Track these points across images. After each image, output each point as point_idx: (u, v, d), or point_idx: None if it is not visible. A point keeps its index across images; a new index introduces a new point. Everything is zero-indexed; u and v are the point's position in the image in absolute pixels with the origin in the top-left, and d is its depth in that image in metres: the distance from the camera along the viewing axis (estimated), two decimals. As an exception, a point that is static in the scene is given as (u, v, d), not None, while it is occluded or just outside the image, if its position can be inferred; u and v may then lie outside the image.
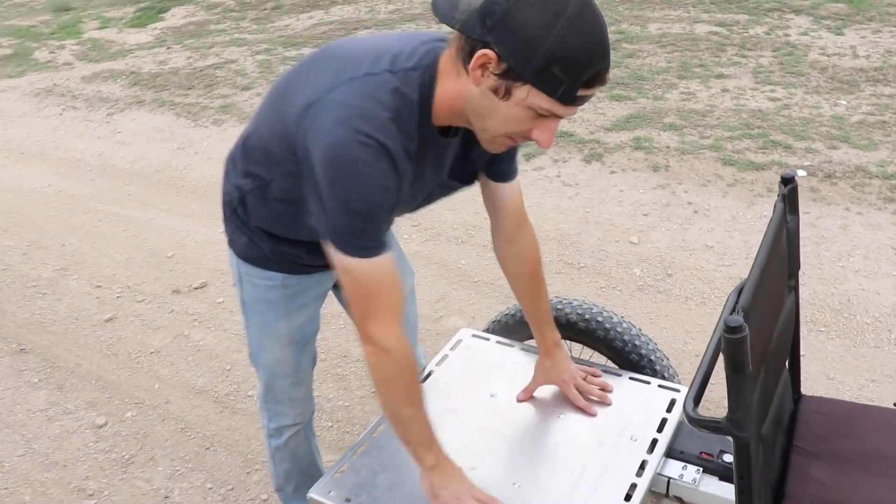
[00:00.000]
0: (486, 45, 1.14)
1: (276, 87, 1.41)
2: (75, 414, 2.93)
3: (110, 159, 5.44)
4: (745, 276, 3.20)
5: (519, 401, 1.77)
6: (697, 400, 1.21)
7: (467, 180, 1.56)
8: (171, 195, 4.70)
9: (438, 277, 3.41)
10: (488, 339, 2.01)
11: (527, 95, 1.16)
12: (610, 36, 4.30)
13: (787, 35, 5.89)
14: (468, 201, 4.00)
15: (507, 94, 1.17)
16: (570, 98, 1.15)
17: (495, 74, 1.16)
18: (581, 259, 3.42)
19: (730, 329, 1.05)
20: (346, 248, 1.28)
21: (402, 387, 1.38)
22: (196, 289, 3.62)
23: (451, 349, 1.98)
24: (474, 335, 2.03)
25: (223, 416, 2.81)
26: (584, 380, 1.75)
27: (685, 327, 2.90)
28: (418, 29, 7.42)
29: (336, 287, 1.82)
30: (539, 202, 3.91)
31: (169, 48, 8.22)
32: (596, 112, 4.80)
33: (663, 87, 5.14)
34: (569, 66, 1.12)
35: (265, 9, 9.36)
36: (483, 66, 1.17)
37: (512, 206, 1.63)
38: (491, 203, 1.64)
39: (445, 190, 1.56)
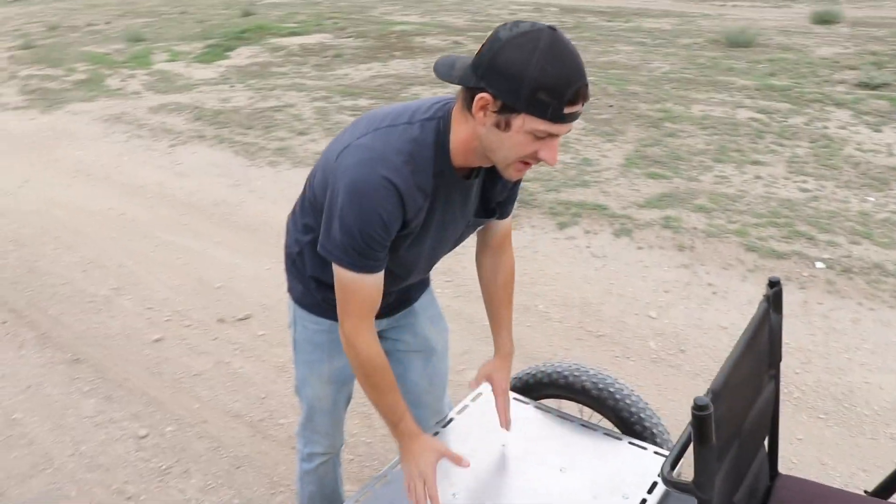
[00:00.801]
0: (482, 90, 1.36)
1: (326, 148, 1.68)
2: (120, 423, 3.18)
3: (169, 189, 5.79)
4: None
5: (471, 387, 2.01)
6: (674, 465, 1.41)
7: (489, 215, 1.75)
8: (224, 229, 5.00)
9: (465, 332, 3.63)
10: None
11: (523, 123, 1.35)
12: (654, 114, 4.59)
13: (825, 127, 6.09)
14: (500, 262, 4.24)
15: (508, 126, 1.37)
16: (559, 117, 1.33)
17: (494, 112, 1.37)
18: (601, 328, 3.62)
19: (697, 407, 1.27)
20: (340, 261, 1.54)
21: (362, 375, 1.66)
22: (240, 320, 3.88)
23: (472, 400, 2.18)
24: None
25: (255, 440, 3.04)
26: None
27: (691, 402, 3.08)
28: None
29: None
30: (568, 270, 4.14)
31: (232, 86, 8.66)
32: (631, 188, 5.03)
33: (699, 168, 5.35)
34: (551, 89, 1.30)
35: (326, 56, 9.81)
36: (483, 108, 1.38)
37: (501, 233, 1.89)
38: (483, 232, 1.90)
39: (472, 228, 1.76)
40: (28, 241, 5.04)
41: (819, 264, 4.01)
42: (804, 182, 5.08)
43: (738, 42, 9.14)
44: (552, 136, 1.38)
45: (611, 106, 6.85)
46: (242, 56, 10.33)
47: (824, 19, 10.31)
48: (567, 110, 1.33)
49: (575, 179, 5.25)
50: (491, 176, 1.65)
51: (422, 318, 2.02)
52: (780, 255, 4.10)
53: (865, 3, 12.11)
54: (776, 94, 7.00)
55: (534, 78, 1.30)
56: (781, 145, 5.75)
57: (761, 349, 1.65)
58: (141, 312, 4.04)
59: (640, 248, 4.29)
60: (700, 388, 3.17)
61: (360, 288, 1.57)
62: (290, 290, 1.91)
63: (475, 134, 1.45)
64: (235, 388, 3.37)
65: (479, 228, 1.86)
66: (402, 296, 1.93)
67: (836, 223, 4.46)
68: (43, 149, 7.13)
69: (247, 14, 13.92)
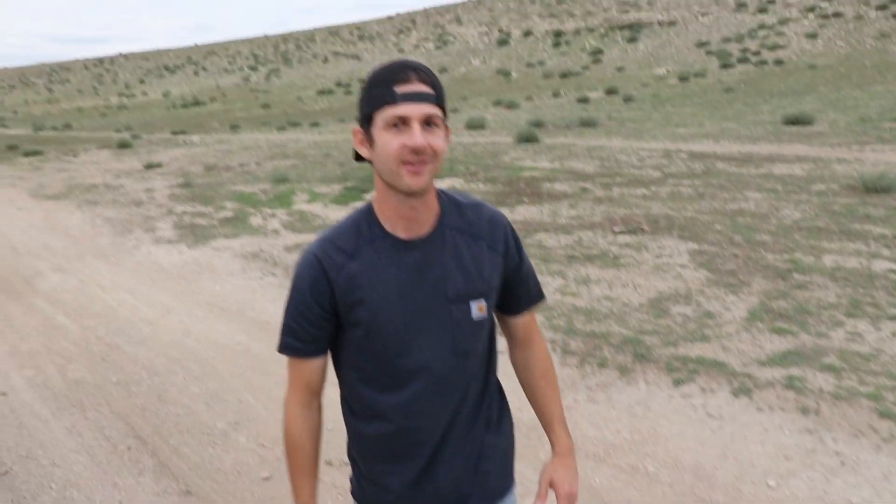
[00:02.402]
0: None
1: None
2: (221, 564, 3.23)
3: (295, 326, 6.04)
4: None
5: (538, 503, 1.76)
6: None
7: (482, 282, 1.66)
8: (340, 368, 5.13)
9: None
10: None
11: (377, 123, 1.51)
12: (781, 265, 4.50)
13: (974, 282, 5.69)
14: (612, 420, 4.11)
15: (373, 138, 1.53)
16: (393, 96, 1.48)
17: (365, 138, 1.56)
18: (713, 495, 3.41)
19: None
20: (278, 344, 1.71)
21: (284, 446, 1.78)
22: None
23: None
24: None
25: (347, 593, 3.00)
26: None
27: (812, 587, 2.82)
28: (594, 236, 7.80)
29: None
30: (681, 430, 3.96)
31: (363, 227, 9.09)
32: (754, 344, 4.83)
33: (828, 324, 5.09)
34: (379, 80, 1.51)
35: (454, 200, 10.18)
36: (361, 142, 1.58)
37: (522, 326, 1.84)
38: (504, 328, 1.86)
39: (465, 311, 1.64)
40: (161, 370, 5.35)
41: (966, 437, 3.66)
42: (950, 341, 4.72)
43: (877, 188, 8.81)
44: (404, 121, 1.49)
45: (736, 256, 6.70)
46: (376, 198, 10.87)
47: (974, 163, 9.83)
48: (399, 89, 1.48)
49: (694, 333, 5.10)
50: (463, 244, 1.65)
51: None
52: (920, 425, 3.78)
53: None
54: (918, 244, 6.65)
55: (368, 84, 1.54)
56: (924, 300, 5.40)
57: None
58: (254, 449, 4.16)
59: (759, 409, 4.06)
60: (823, 572, 2.90)
61: (292, 370, 1.72)
62: (350, 480, 1.89)
63: (378, 177, 1.58)
64: (334, 535, 3.36)
65: (499, 324, 1.82)
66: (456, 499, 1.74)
67: None
68: (186, 281, 7.66)
69: (384, 157, 14.74)
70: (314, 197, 11.44)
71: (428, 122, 1.50)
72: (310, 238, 8.73)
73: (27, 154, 23.39)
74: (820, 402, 4.06)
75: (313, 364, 1.69)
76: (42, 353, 5.76)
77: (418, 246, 1.62)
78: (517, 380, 1.91)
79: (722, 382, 4.37)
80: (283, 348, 1.69)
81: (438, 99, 1.52)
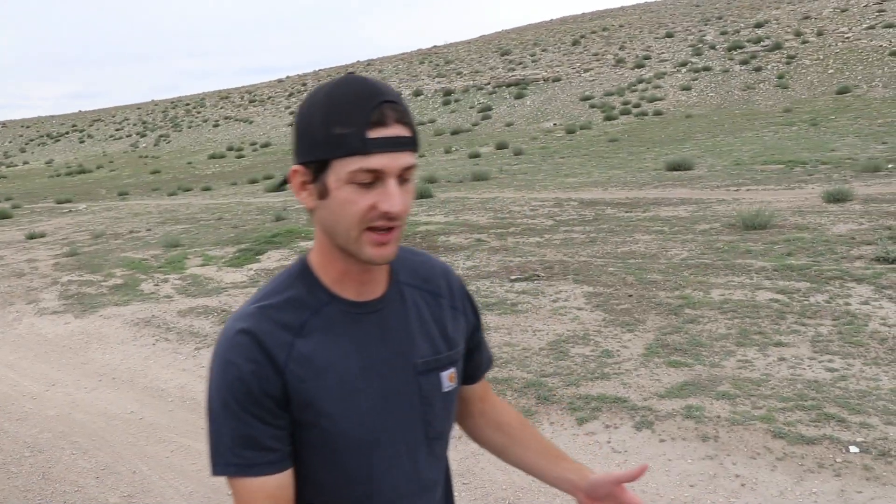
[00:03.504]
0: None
1: None
2: None
3: (190, 392, 5.81)
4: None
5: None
6: None
7: (449, 347, 1.37)
8: (240, 431, 4.95)
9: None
10: None
11: (336, 174, 1.13)
12: (673, 301, 4.62)
13: (847, 304, 6.03)
14: (519, 458, 4.10)
15: (326, 188, 1.15)
16: (366, 144, 1.11)
17: (311, 182, 1.17)
18: (623, 527, 3.43)
19: None
20: (216, 464, 1.19)
21: None
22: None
23: None
24: None
25: None
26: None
27: None
28: (491, 285, 7.87)
29: None
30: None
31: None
32: (651, 378, 4.95)
33: (721, 353, 5.28)
34: (343, 118, 1.11)
35: (352, 255, 10.13)
36: (301, 185, 1.18)
37: (479, 393, 1.55)
38: (459, 403, 1.53)
39: (434, 382, 1.33)
40: (46, 446, 5.02)
41: (853, 448, 3.83)
42: (830, 361, 4.97)
43: (754, 224, 9.28)
44: (377, 175, 1.13)
45: (630, 296, 6.89)
46: (272, 259, 10.68)
47: (836, 198, 10.51)
48: (374, 134, 1.11)
49: (595, 372, 5.18)
50: (423, 303, 1.35)
51: None
52: (810, 441, 3.94)
53: (875, 181, 12.38)
54: (795, 273, 7.01)
55: (321, 115, 1.13)
56: (804, 325, 5.68)
57: None
58: (150, 522, 3.94)
59: (662, 440, 4.15)
60: (733, 593, 2.95)
61: (256, 497, 1.18)
62: None
63: (318, 228, 1.23)
64: None
65: (449, 392, 1.37)
66: None
67: (868, 403, 4.31)
68: (73, 353, 7.27)
69: (279, 219, 14.55)
70: (207, 260, 11.15)
71: (402, 176, 1.16)
72: (206, 302, 8.49)
73: None
74: (718, 428, 4.18)
75: (285, 478, 1.21)
76: (-89, 439, 5.32)
77: (377, 309, 1.28)
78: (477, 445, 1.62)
79: (624, 418, 4.44)
80: (240, 469, 1.17)
81: (416, 143, 1.17)
